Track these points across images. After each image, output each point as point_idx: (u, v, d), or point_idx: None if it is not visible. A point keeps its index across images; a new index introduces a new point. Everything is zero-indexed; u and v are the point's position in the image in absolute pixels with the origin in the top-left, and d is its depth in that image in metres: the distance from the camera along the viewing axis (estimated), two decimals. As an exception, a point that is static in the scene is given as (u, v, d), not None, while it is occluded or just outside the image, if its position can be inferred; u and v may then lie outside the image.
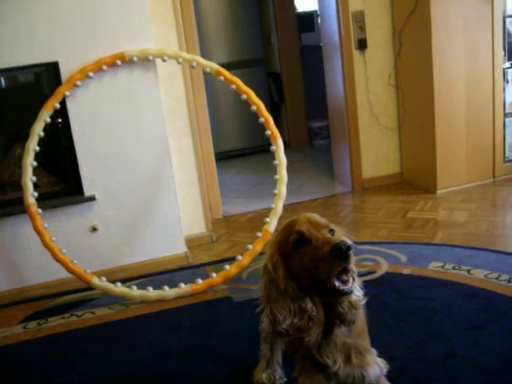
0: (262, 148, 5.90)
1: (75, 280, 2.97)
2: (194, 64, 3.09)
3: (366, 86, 4.34)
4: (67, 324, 2.73)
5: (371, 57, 4.31)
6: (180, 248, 3.36)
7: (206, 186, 3.79)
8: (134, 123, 3.15)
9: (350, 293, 1.31)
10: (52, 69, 3.03)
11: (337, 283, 1.29)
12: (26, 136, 2.90)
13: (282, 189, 3.05)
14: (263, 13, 6.40)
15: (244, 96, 3.10)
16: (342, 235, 1.39)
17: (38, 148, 2.88)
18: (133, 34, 3.05)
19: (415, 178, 4.41)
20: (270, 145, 3.10)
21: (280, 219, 3.04)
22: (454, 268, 2.82)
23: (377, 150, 4.49)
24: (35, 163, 2.88)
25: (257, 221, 3.85)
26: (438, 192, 4.12)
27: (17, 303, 3.05)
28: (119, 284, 2.92)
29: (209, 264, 3.28)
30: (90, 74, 2.98)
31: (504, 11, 4.00)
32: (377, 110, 4.42)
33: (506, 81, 4.13)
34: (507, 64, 4.11)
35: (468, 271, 2.77)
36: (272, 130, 3.09)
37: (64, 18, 2.95)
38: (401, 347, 2.16)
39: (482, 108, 4.11)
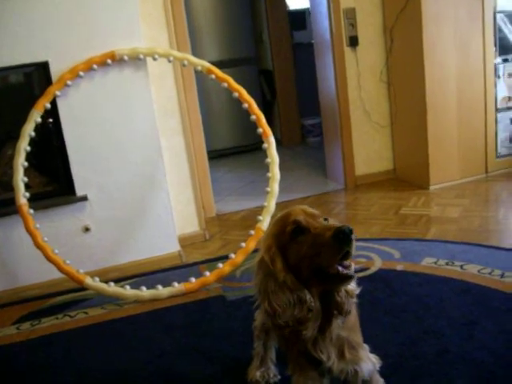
0: (255, 146, 5.90)
1: (68, 280, 2.96)
2: (185, 62, 3.09)
3: (358, 82, 4.35)
4: (60, 325, 2.72)
5: (363, 54, 4.32)
6: (173, 247, 3.36)
7: (199, 184, 3.78)
8: (125, 122, 3.14)
9: (353, 277, 1.31)
10: (42, 68, 3.00)
11: (340, 268, 1.30)
12: (17, 136, 2.88)
13: (275, 187, 3.05)
14: (255, 11, 6.39)
15: (235, 94, 3.10)
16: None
17: (29, 148, 2.87)
18: (123, 34, 3.03)
19: (408, 175, 4.42)
20: (262, 143, 3.10)
21: (273, 217, 3.03)
22: (447, 264, 2.83)
23: (369, 147, 4.49)
24: (26, 163, 2.87)
25: (250, 219, 3.85)
26: (431, 188, 4.12)
27: (10, 304, 3.04)
28: (112, 284, 2.91)
29: (202, 263, 3.27)
30: (81, 73, 2.97)
31: (494, 7, 4.01)
32: (369, 106, 4.42)
33: (497, 76, 4.15)
34: (498, 59, 4.13)
35: (461, 267, 2.77)
36: (264, 127, 3.08)
37: (54, 18, 2.94)
38: (394, 344, 2.16)
39: (473, 103, 4.12)
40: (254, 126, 3.12)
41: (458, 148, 4.14)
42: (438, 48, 3.92)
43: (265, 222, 3.01)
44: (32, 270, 3.12)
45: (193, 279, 2.92)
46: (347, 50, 4.28)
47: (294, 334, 1.38)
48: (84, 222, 3.18)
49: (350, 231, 1.24)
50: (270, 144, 3.09)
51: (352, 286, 1.41)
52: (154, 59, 3.04)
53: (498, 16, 4.04)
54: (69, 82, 2.96)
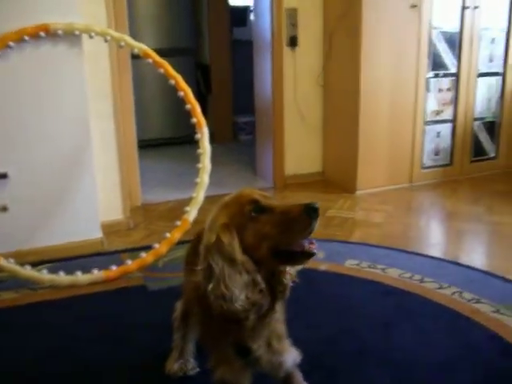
0: (186, 139, 5.81)
1: (-20, 260, 2.81)
2: (123, 43, 2.99)
3: (295, 84, 4.37)
4: (-31, 307, 2.58)
5: (301, 55, 4.35)
6: (95, 233, 3.25)
7: (126, 171, 3.68)
8: (54, 99, 3.00)
9: (315, 254, 1.30)
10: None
11: (306, 244, 1.29)
12: None
13: (205, 178, 3.01)
14: (196, 2, 6.31)
15: (172, 81, 3.03)
16: None
17: None
18: (59, 7, 2.90)
19: (336, 178, 4.48)
20: (194, 136, 3.06)
21: (200, 209, 3.00)
22: (369, 266, 2.88)
23: (301, 148, 4.53)
24: None
25: (176, 210, 3.78)
26: (357, 193, 4.20)
27: None
28: (28, 267, 2.78)
29: (125, 251, 3.18)
30: (11, 43, 2.82)
31: (430, 23, 4.13)
32: (303, 108, 4.45)
33: (428, 90, 4.27)
34: (430, 74, 4.25)
35: (383, 270, 2.83)
36: (198, 117, 3.04)
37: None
38: (314, 341, 2.16)
39: (404, 114, 4.23)
40: (187, 117, 3.07)
41: (386, 156, 4.24)
42: (374, 57, 4.00)
43: (192, 213, 2.96)
44: None
45: (114, 267, 2.83)
46: (286, 50, 4.30)
47: (230, 322, 1.34)
48: (2, 200, 3.01)
49: (317, 207, 1.26)
50: (203, 135, 3.04)
51: (292, 270, 1.40)
52: (91, 37, 2.93)
53: (434, 32, 4.17)
54: (-3, 52, 2.81)
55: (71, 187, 3.12)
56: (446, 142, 4.47)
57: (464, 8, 4.22)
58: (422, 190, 4.31)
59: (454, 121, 4.45)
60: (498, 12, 4.39)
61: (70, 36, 2.92)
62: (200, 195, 2.99)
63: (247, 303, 1.28)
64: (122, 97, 3.60)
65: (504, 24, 4.44)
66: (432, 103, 4.33)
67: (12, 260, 2.78)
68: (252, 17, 6.39)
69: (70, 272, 2.79)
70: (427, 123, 4.35)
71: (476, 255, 3.16)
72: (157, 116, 6.15)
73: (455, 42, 4.29)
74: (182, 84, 3.03)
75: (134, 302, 2.60)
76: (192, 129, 3.08)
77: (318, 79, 4.44)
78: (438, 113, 4.38)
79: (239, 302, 1.27)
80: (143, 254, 2.90)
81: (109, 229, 3.47)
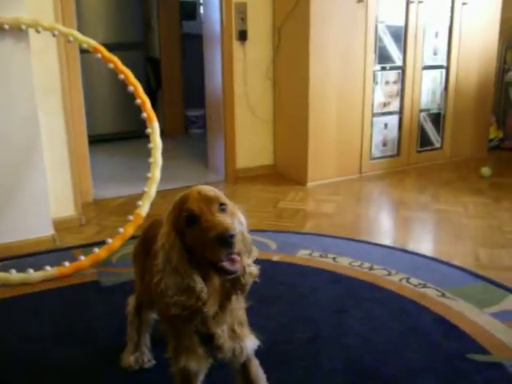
0: (137, 133, 5.77)
1: None
2: (71, 39, 2.97)
3: (245, 77, 4.40)
4: None
5: (251, 49, 4.38)
6: (47, 230, 3.21)
7: (78, 167, 3.64)
8: (1, 96, 2.95)
9: (235, 273, 1.32)
10: None
11: (225, 263, 1.30)
12: None
13: (156, 172, 3.02)
14: (145, -5, 6.27)
15: (121, 76, 3.03)
16: (233, 211, 1.41)
17: None
18: (5, 0, 2.85)
19: (287, 170, 4.54)
20: (144, 130, 3.06)
21: (152, 204, 3.01)
22: (320, 256, 2.95)
23: (251, 141, 4.57)
24: None
25: (129, 205, 3.77)
26: (308, 184, 4.27)
27: None
28: (-22, 266, 2.74)
29: (77, 247, 3.16)
30: (-46, 38, 2.76)
31: (376, 17, 4.23)
32: (253, 101, 4.49)
33: (375, 82, 4.37)
34: (377, 67, 4.35)
35: (333, 259, 2.91)
36: (148, 112, 3.04)
37: None
38: (267, 330, 2.19)
39: (352, 106, 4.32)
40: (137, 112, 3.06)
41: (336, 148, 4.32)
42: (323, 50, 4.07)
43: (144, 207, 2.97)
44: None
45: (67, 263, 2.82)
46: (236, 44, 4.32)
47: (190, 312, 1.38)
48: (-51, 199, 2.96)
49: (231, 236, 1.26)
50: (154, 129, 3.05)
51: (254, 268, 1.43)
52: (38, 32, 2.89)
53: (380, 26, 4.27)
54: None
55: (21, 184, 3.07)
56: (393, 133, 4.60)
57: (409, 3, 4.33)
58: (371, 180, 4.42)
59: (400, 112, 4.58)
60: (441, 7, 4.52)
61: (17, 31, 2.88)
62: (152, 190, 2.99)
63: (179, 306, 1.35)
64: (72, 92, 3.56)
65: (447, 18, 4.58)
66: (379, 96, 4.44)
67: (-39, 259, 2.73)
68: (201, 10, 6.40)
69: (21, 270, 2.76)
70: (375, 115, 4.46)
71: (423, 242, 3.27)
72: (107, 111, 6.08)
73: (401, 36, 4.40)
74: (132, 79, 3.02)
75: (88, 298, 2.59)
76: (142, 123, 3.08)
77: (267, 73, 4.48)
78: (385, 105, 4.49)
79: (171, 301, 1.35)
80: (96, 250, 2.89)
81: (60, 225, 3.43)
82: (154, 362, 2.02)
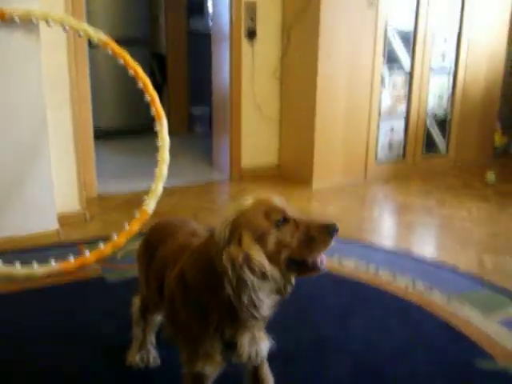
0: (144, 129, 5.76)
1: None
2: (81, 33, 2.95)
3: (252, 76, 4.39)
4: None
5: (260, 48, 4.37)
6: (51, 225, 3.20)
7: (83, 161, 3.64)
8: (9, 87, 2.94)
9: (323, 271, 1.41)
10: None
11: (318, 260, 1.38)
12: None
13: (164, 169, 3.01)
14: (153, -9, 6.26)
15: (131, 71, 3.01)
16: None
17: None
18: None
19: (292, 171, 4.53)
20: (150, 127, 3.04)
21: (158, 201, 3.00)
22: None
23: (257, 141, 4.56)
24: None
25: (134, 202, 3.74)
26: (313, 185, 4.26)
27: None
28: (-17, 259, 2.73)
29: (82, 242, 3.15)
30: (-36, 29, 2.75)
31: (386, 20, 4.22)
32: (260, 100, 4.48)
33: (383, 85, 4.37)
34: (385, 70, 4.34)
35: (339, 261, 2.90)
36: (157, 108, 3.03)
37: None
38: (272, 330, 2.20)
39: (359, 109, 4.31)
40: (144, 108, 3.05)
41: (342, 150, 4.31)
42: (332, 52, 4.06)
43: (151, 204, 2.96)
44: None
45: (71, 258, 2.81)
46: (244, 42, 4.31)
47: (225, 319, 1.38)
48: (-45, 190, 2.95)
49: (337, 229, 1.34)
50: (163, 126, 3.04)
51: None
52: (48, 25, 2.88)
53: (389, 29, 4.26)
54: (-50, 38, 2.73)
55: (27, 177, 3.07)
56: (399, 137, 4.59)
57: (418, 8, 4.32)
58: (376, 183, 4.42)
59: (407, 116, 4.57)
60: (450, 12, 4.51)
61: (28, 23, 2.87)
62: (159, 187, 2.98)
63: (272, 308, 1.40)
64: (79, 86, 3.55)
65: (456, 24, 4.57)
66: (386, 99, 4.43)
67: (-34, 251, 2.72)
68: (210, 7, 6.39)
69: (25, 264, 2.75)
70: (382, 118, 4.45)
71: (427, 247, 3.27)
72: (114, 105, 6.07)
73: (409, 41, 4.39)
74: (142, 75, 3.01)
75: (92, 294, 2.59)
76: (148, 119, 3.06)
77: (274, 72, 4.47)
78: (392, 108, 4.48)
79: (267, 312, 1.38)
80: (101, 245, 2.88)
81: (64, 220, 3.41)
82: (159, 361, 2.00)
